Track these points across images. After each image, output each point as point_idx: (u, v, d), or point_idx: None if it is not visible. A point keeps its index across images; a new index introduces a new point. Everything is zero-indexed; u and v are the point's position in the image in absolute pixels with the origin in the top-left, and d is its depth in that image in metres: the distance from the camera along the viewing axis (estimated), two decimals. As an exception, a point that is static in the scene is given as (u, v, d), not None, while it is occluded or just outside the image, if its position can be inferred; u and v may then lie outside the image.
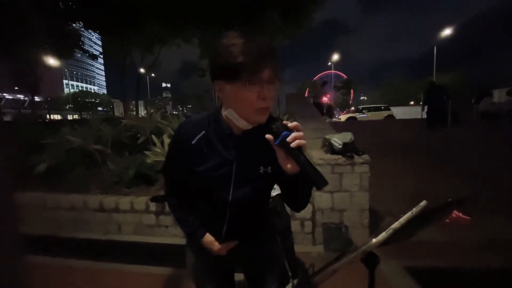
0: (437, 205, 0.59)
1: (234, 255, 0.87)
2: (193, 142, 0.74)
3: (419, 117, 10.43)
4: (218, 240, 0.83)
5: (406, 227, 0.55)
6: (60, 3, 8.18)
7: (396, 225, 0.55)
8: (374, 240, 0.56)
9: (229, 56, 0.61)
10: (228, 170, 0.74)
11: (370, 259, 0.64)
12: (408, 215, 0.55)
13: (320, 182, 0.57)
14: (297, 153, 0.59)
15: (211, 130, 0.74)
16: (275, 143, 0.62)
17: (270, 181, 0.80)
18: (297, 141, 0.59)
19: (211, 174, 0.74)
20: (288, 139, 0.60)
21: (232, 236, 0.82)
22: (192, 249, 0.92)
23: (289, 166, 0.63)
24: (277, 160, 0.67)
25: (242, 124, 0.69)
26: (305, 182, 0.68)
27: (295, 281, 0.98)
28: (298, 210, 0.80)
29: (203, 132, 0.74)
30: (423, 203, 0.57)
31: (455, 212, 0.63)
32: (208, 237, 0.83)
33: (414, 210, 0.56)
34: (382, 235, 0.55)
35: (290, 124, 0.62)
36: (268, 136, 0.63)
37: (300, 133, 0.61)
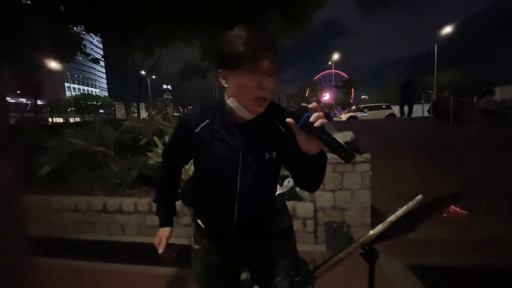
0: (433, 200, 0.60)
1: (242, 257, 0.88)
2: (196, 131, 0.77)
3: (421, 115, 10.38)
4: (229, 234, 0.83)
5: (403, 221, 0.56)
6: (61, 7, 8.24)
7: (392, 218, 0.56)
8: (371, 232, 0.57)
9: (232, 46, 0.68)
10: (235, 158, 0.76)
11: (369, 254, 0.65)
12: (404, 208, 0.56)
13: (348, 156, 0.59)
14: (321, 132, 0.61)
15: (216, 119, 0.78)
16: (297, 125, 0.63)
17: (275, 168, 0.83)
18: (320, 121, 0.61)
19: (218, 162, 0.77)
20: (311, 119, 0.61)
21: (242, 230, 0.82)
22: (199, 251, 0.91)
23: (310, 146, 0.64)
24: (281, 146, 0.73)
25: (242, 113, 0.74)
26: (323, 160, 0.71)
27: (297, 279, 1.00)
28: (314, 190, 0.82)
29: (207, 121, 0.78)
30: (419, 197, 0.58)
31: (452, 207, 0.64)
32: (163, 231, 0.94)
33: (410, 204, 0.57)
34: (379, 228, 0.56)
35: (310, 106, 0.63)
36: (289, 119, 0.64)
37: (321, 113, 0.62)
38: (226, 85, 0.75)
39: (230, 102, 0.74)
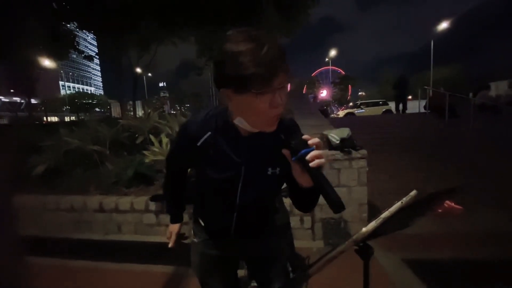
0: (427, 195, 0.60)
1: (240, 252, 0.90)
2: (198, 144, 0.72)
3: (417, 111, 10.44)
4: (228, 237, 0.84)
5: (397, 217, 0.56)
6: (54, 3, 8.08)
7: (386, 214, 0.55)
8: (364, 229, 0.57)
9: (237, 66, 0.54)
10: (236, 173, 0.73)
11: (364, 250, 0.65)
12: (398, 204, 0.56)
13: (338, 206, 0.54)
14: (316, 173, 0.54)
15: (218, 132, 0.72)
16: (292, 159, 0.58)
17: (278, 183, 0.79)
18: (317, 161, 0.55)
19: (218, 176, 0.74)
20: (308, 157, 0.55)
21: (241, 233, 0.84)
22: (199, 245, 0.93)
23: (304, 180, 0.61)
24: (286, 161, 0.64)
25: (251, 130, 0.67)
26: (318, 194, 0.65)
27: (294, 275, 1.01)
28: (306, 212, 0.81)
29: (209, 133, 0.72)
30: (413, 192, 0.58)
31: (447, 202, 0.64)
32: (173, 227, 1.00)
33: (404, 199, 0.57)
34: (372, 224, 0.56)
35: (310, 141, 0.57)
36: (284, 151, 0.60)
37: (320, 152, 0.56)
38: (230, 106, 0.66)
39: (238, 121, 0.66)
